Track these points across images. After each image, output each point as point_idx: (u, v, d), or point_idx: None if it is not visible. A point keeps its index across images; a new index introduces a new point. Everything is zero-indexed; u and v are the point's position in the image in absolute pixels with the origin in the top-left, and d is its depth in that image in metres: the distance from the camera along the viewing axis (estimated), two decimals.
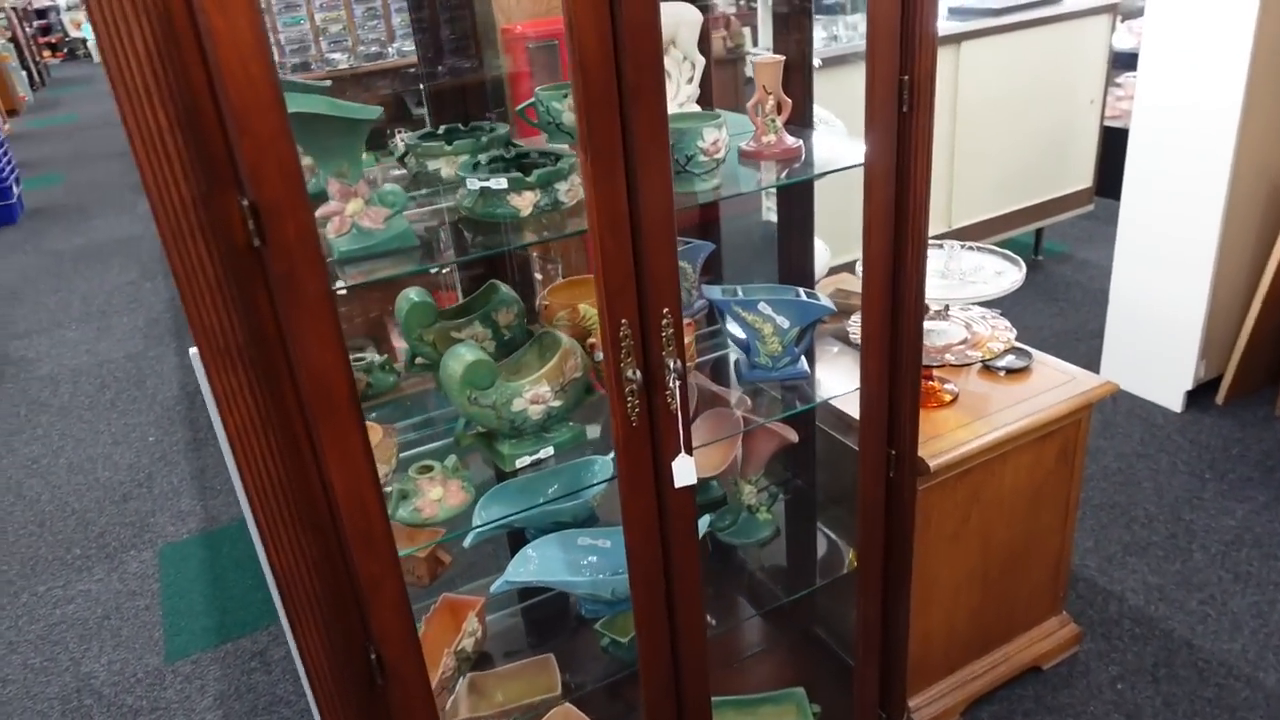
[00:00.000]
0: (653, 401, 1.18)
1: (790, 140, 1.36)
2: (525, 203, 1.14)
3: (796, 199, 1.62)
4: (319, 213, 1.07)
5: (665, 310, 1.13)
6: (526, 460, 1.30)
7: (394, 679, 1.13)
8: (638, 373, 1.13)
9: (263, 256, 0.89)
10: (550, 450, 1.32)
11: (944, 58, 3.44)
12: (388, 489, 1.22)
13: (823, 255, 1.96)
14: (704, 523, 1.55)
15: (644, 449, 1.20)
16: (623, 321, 1.11)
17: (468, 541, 1.51)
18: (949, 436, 1.65)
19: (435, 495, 1.18)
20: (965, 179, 3.61)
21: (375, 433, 1.25)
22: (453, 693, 1.51)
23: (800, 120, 1.52)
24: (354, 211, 1.06)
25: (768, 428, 1.60)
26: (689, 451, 1.23)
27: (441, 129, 1.43)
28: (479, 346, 1.26)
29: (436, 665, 1.34)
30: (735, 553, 1.78)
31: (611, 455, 1.59)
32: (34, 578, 2.65)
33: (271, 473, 0.97)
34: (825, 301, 1.43)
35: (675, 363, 1.15)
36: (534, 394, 1.26)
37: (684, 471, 1.23)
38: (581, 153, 1.02)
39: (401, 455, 1.42)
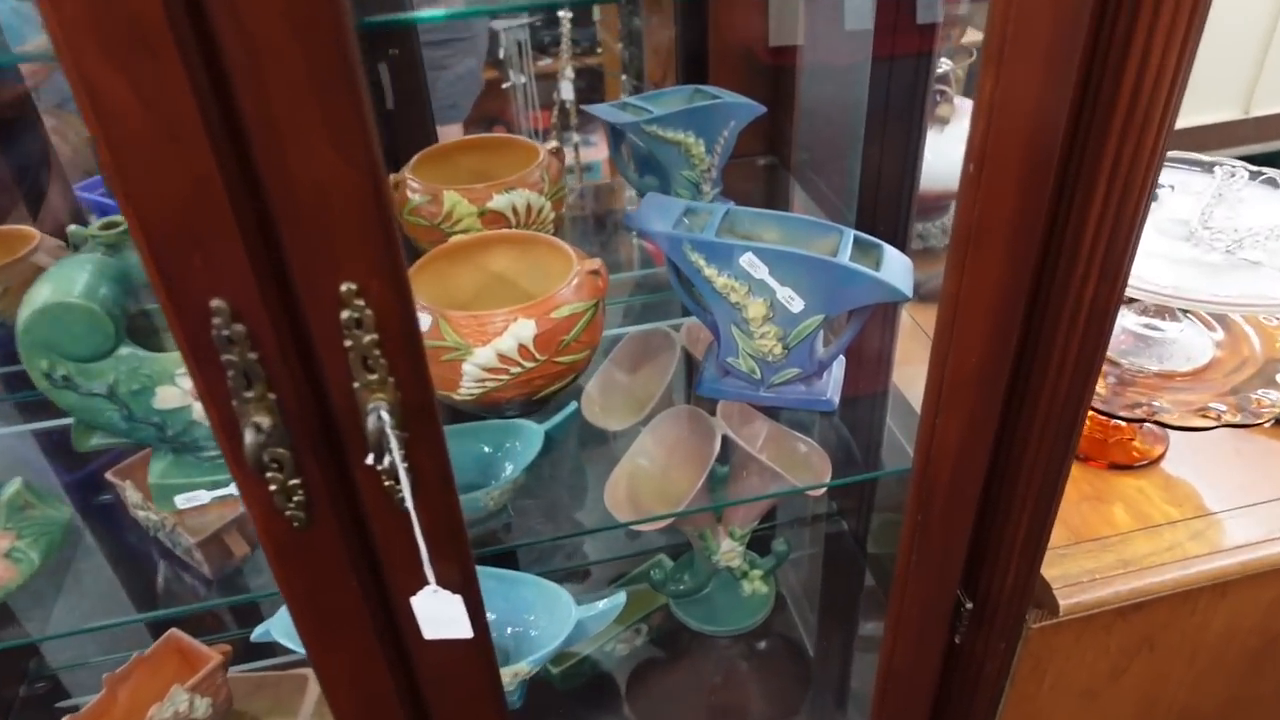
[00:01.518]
0: (351, 482, 0.51)
1: None
2: None
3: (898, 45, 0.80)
4: None
5: (349, 287, 0.43)
6: (201, 499, 0.67)
7: None
8: (267, 421, 0.45)
9: None
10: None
11: None
12: None
13: None
14: (612, 605, 0.88)
15: (337, 574, 0.54)
16: (216, 306, 0.42)
17: None
18: (1118, 547, 0.86)
19: None
20: None
21: None
22: None
23: None
24: None
25: (772, 468, 0.87)
26: (455, 585, 0.55)
27: None
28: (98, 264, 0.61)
29: None
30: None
31: (549, 423, 0.95)
32: None
33: None
34: (893, 278, 0.66)
35: (384, 414, 0.46)
36: None
37: (440, 617, 0.57)
38: None
39: None
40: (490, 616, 0.99)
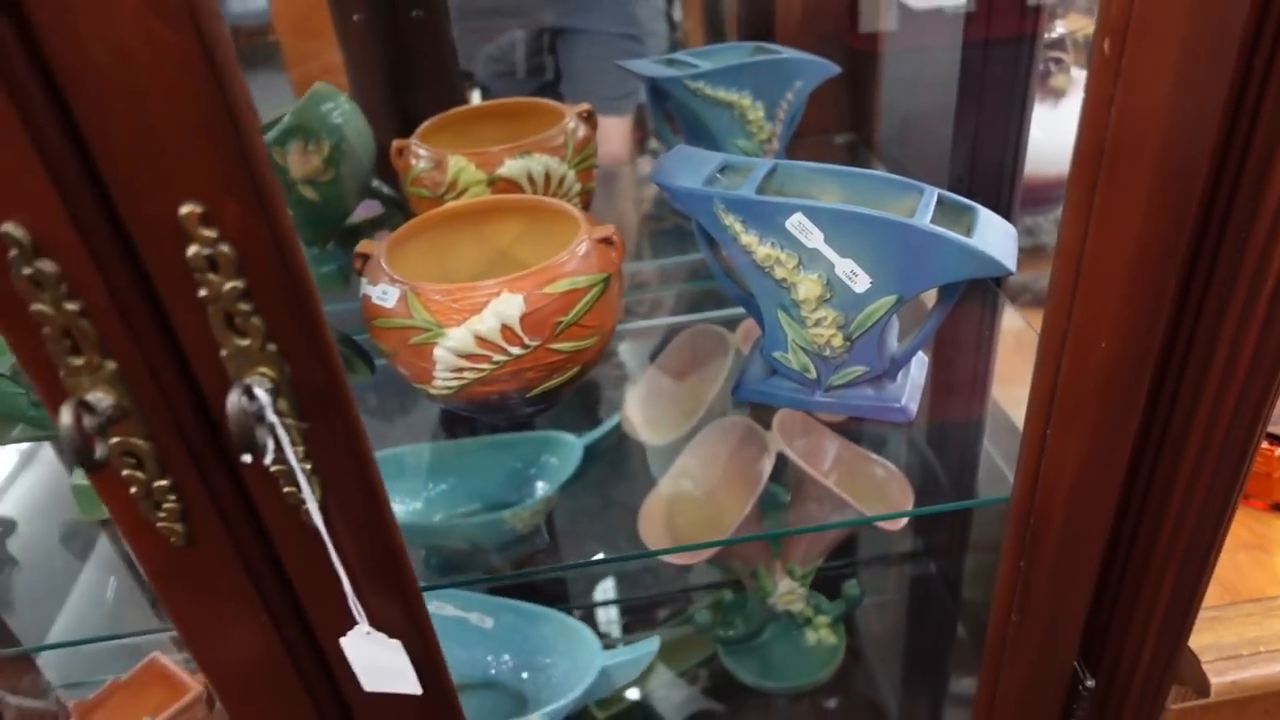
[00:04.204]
0: (245, 487, 0.38)
1: None
2: None
3: None
4: None
5: (191, 210, 0.31)
6: None
7: None
8: (105, 398, 0.33)
9: None
10: None
11: None
12: None
13: None
14: (642, 653, 0.74)
15: (239, 605, 0.41)
16: (6, 233, 0.31)
17: None
18: None
19: None
20: None
21: None
22: None
23: None
24: None
25: (836, 493, 0.72)
26: (395, 627, 0.42)
27: None
28: None
29: None
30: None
31: (589, 436, 0.84)
32: None
33: None
34: (988, 245, 0.50)
35: (260, 392, 0.34)
36: None
37: (378, 666, 0.44)
38: None
39: None
40: (504, 658, 0.87)
